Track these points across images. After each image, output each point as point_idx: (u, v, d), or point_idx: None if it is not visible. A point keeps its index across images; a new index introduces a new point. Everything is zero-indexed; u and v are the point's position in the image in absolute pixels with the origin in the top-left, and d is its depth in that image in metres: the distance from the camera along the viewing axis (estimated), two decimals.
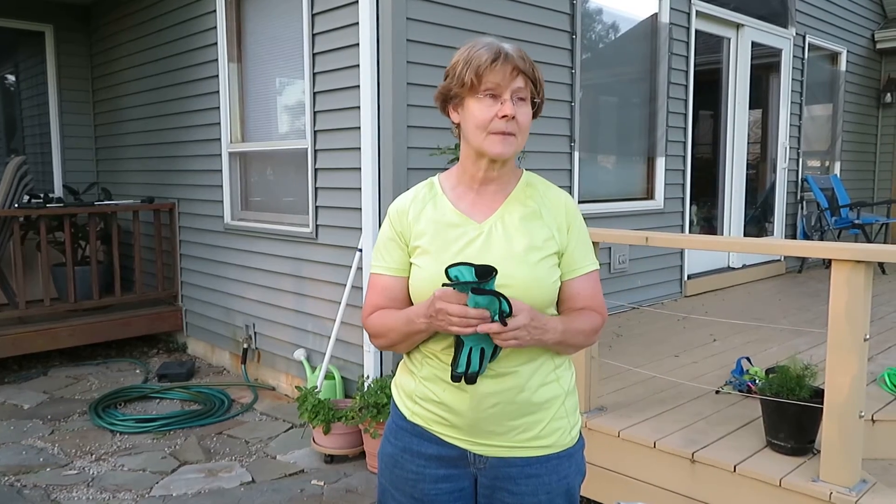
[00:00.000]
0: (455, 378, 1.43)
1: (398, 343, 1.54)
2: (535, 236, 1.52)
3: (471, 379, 1.42)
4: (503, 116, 1.45)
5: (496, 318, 1.33)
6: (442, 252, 1.50)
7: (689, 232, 6.00)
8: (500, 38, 1.52)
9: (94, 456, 3.79)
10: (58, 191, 6.68)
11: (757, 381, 3.14)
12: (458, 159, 1.62)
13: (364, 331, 3.97)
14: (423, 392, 1.55)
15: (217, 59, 5.04)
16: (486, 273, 1.35)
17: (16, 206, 5.15)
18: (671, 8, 5.42)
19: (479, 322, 1.33)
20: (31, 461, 3.72)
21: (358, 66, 3.85)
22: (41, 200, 5.62)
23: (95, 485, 3.44)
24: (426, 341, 1.52)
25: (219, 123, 5.11)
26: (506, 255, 1.48)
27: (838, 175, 7.90)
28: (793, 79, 7.01)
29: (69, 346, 5.34)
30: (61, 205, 5.59)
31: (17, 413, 4.43)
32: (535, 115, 1.54)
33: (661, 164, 5.56)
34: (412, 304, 1.54)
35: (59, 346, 5.28)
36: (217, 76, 5.06)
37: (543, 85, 1.53)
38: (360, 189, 3.92)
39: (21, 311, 5.07)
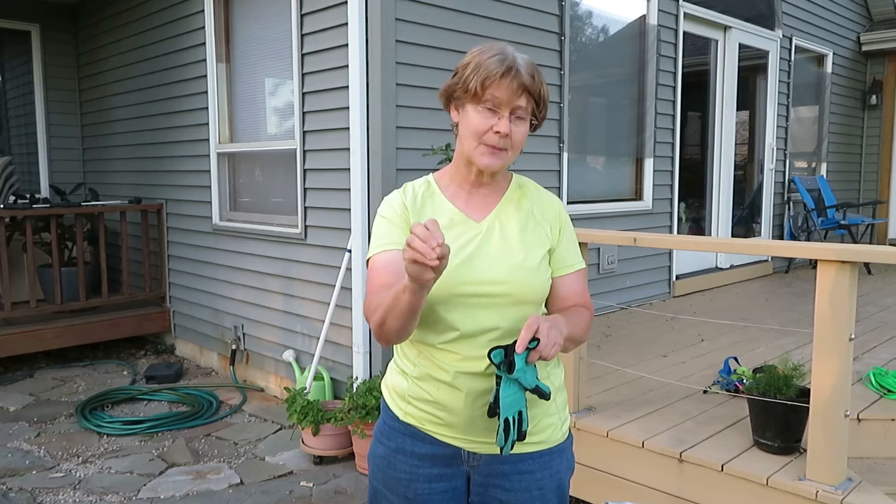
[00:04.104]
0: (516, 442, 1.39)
1: (388, 315, 1.36)
2: (531, 236, 1.54)
3: (522, 436, 1.40)
4: (497, 132, 1.45)
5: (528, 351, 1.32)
6: None
7: (678, 232, 6.03)
8: (515, 46, 1.49)
9: (80, 458, 3.76)
10: (44, 191, 6.63)
11: (744, 381, 3.16)
12: (448, 160, 1.62)
13: (352, 331, 3.99)
14: (416, 392, 1.55)
15: (205, 60, 5.02)
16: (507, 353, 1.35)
17: (1, 206, 5.10)
18: (659, 10, 5.45)
19: (434, 248, 1.17)
20: (16, 464, 3.69)
21: (347, 66, 3.85)
22: (27, 201, 5.57)
23: (82, 487, 3.42)
24: (422, 337, 1.50)
25: (207, 124, 5.08)
26: (503, 254, 1.50)
27: (825, 176, 7.97)
28: (779, 80, 7.06)
29: (55, 347, 5.30)
30: (48, 205, 5.55)
31: (3, 415, 4.40)
32: (534, 129, 1.55)
33: (649, 164, 5.59)
34: None
35: (46, 347, 5.24)
36: (205, 76, 5.04)
37: (548, 103, 1.52)
38: (349, 190, 3.92)
39: (6, 312, 5.03)
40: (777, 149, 7.16)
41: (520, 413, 1.37)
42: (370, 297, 1.46)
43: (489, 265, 1.48)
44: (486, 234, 1.52)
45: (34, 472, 3.59)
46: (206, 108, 5.07)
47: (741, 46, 6.52)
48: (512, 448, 1.39)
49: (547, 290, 1.55)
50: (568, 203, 4.88)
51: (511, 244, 1.51)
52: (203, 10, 4.99)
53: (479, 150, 1.48)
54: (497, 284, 1.47)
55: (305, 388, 3.87)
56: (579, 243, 1.65)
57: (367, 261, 1.54)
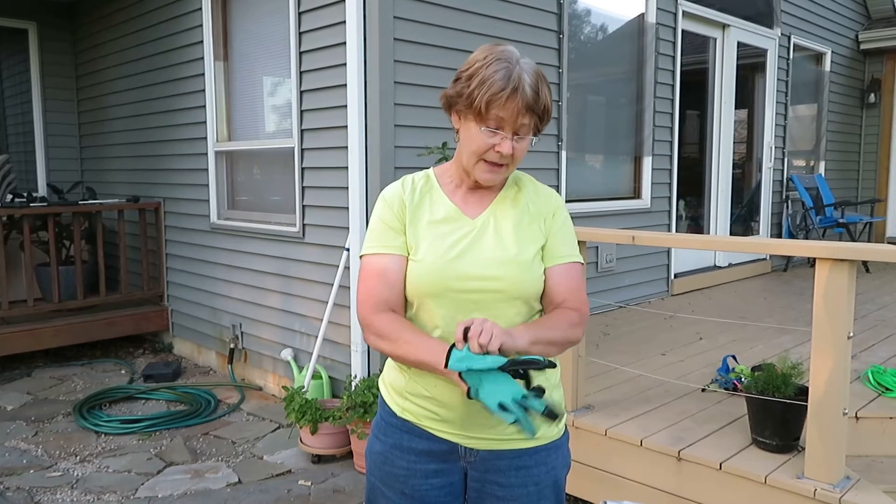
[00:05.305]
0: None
1: (402, 359, 1.47)
2: (525, 232, 1.54)
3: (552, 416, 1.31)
4: (499, 152, 1.45)
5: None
6: (436, 246, 1.51)
7: (676, 231, 6.03)
8: (514, 45, 1.47)
9: (78, 457, 3.75)
10: (42, 190, 6.62)
11: (743, 379, 3.16)
12: (445, 159, 1.62)
13: (350, 330, 3.98)
14: (413, 388, 1.56)
15: (203, 58, 5.01)
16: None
17: None
18: (658, 8, 5.45)
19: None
20: (14, 463, 3.68)
21: (345, 64, 3.84)
22: (24, 199, 5.55)
23: (80, 486, 3.41)
24: None
25: (205, 122, 5.07)
26: (496, 251, 1.51)
27: (823, 174, 7.97)
28: (778, 79, 7.06)
29: (53, 346, 5.29)
30: (45, 204, 5.53)
31: (1, 414, 4.39)
32: (534, 134, 1.53)
33: (647, 163, 5.58)
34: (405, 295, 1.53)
35: (44, 346, 5.23)
36: (203, 74, 5.03)
37: (551, 114, 1.50)
38: (347, 188, 3.91)
39: (4, 311, 5.01)
40: (775, 147, 7.16)
41: (522, 397, 1.29)
42: (373, 316, 1.48)
43: (481, 261, 1.49)
44: (481, 230, 1.53)
45: (32, 471, 3.59)
46: (204, 106, 5.05)
47: (740, 45, 6.52)
48: (533, 431, 1.30)
49: (540, 287, 1.54)
50: (567, 201, 4.87)
51: (505, 240, 1.52)
52: (201, 8, 4.98)
53: (480, 167, 1.49)
54: (489, 280, 1.48)
55: (304, 387, 3.86)
56: (578, 241, 1.64)
57: (361, 256, 1.56)
